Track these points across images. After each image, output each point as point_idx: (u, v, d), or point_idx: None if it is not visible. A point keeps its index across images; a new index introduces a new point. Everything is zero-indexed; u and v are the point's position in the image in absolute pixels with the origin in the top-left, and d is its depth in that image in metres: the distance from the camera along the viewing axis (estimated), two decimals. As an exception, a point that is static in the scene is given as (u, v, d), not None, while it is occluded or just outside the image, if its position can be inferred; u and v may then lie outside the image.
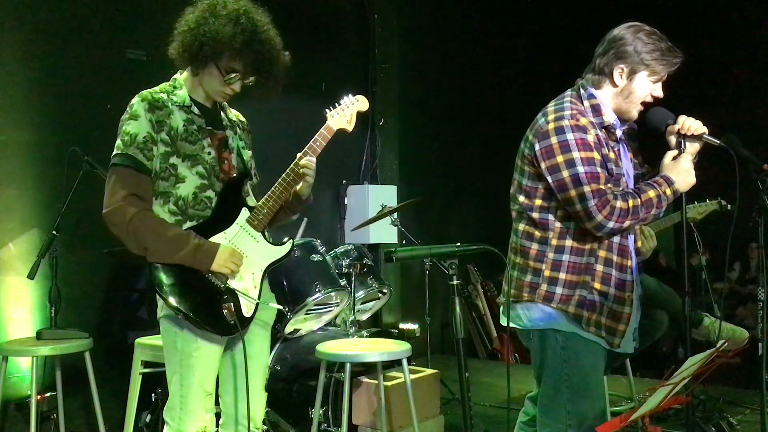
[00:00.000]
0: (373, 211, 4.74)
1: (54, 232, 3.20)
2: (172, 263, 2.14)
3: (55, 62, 3.79)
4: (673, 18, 6.62)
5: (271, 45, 2.23)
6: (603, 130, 2.22)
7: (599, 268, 2.20)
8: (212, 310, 2.16)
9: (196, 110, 2.25)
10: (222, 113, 2.38)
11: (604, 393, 2.60)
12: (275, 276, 3.75)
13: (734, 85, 7.15)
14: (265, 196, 2.31)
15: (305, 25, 5.20)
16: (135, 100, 2.19)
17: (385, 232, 5.16)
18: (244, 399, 2.28)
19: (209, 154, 2.25)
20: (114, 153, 2.17)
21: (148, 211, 2.16)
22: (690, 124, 2.19)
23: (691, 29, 6.87)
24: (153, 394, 3.57)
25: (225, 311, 2.17)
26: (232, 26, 2.14)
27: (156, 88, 2.25)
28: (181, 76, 2.30)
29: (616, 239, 2.22)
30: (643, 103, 2.26)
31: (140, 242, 2.12)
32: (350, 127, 2.42)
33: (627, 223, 2.13)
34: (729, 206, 3.49)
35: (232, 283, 2.22)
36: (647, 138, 2.44)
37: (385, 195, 5.39)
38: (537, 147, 2.19)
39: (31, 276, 3.15)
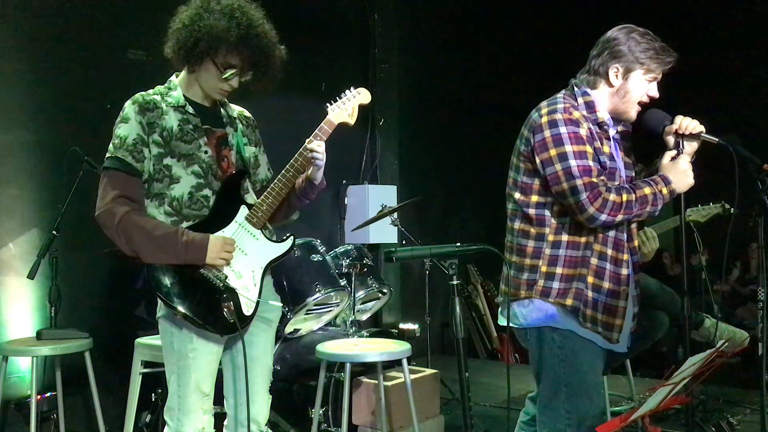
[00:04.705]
0: (373, 211, 4.74)
1: (54, 232, 3.19)
2: (167, 263, 2.12)
3: (55, 62, 3.79)
4: (670, 18, 6.63)
5: (267, 39, 2.22)
6: (596, 125, 2.23)
7: (594, 261, 2.20)
8: (212, 310, 2.15)
9: (191, 110, 2.25)
10: (222, 110, 2.37)
11: (604, 392, 2.60)
12: (275, 276, 3.75)
13: (733, 85, 7.14)
14: (265, 192, 2.30)
15: (305, 25, 5.19)
16: (127, 103, 2.20)
17: (385, 232, 5.15)
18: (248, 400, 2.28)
19: (206, 152, 2.24)
20: (106, 156, 2.17)
21: (136, 212, 2.14)
22: (687, 124, 2.20)
23: (688, 30, 6.88)
24: (153, 394, 3.57)
25: (225, 310, 2.15)
26: (227, 20, 2.13)
27: (150, 91, 2.25)
28: (177, 78, 2.30)
29: (611, 233, 2.22)
30: (641, 104, 2.27)
31: (130, 244, 2.11)
32: (352, 121, 2.39)
33: (620, 217, 2.14)
34: (732, 210, 3.49)
35: (232, 282, 2.21)
36: (642, 141, 2.45)
37: (385, 195, 5.39)
38: (532, 141, 2.20)
39: (31, 276, 3.15)
